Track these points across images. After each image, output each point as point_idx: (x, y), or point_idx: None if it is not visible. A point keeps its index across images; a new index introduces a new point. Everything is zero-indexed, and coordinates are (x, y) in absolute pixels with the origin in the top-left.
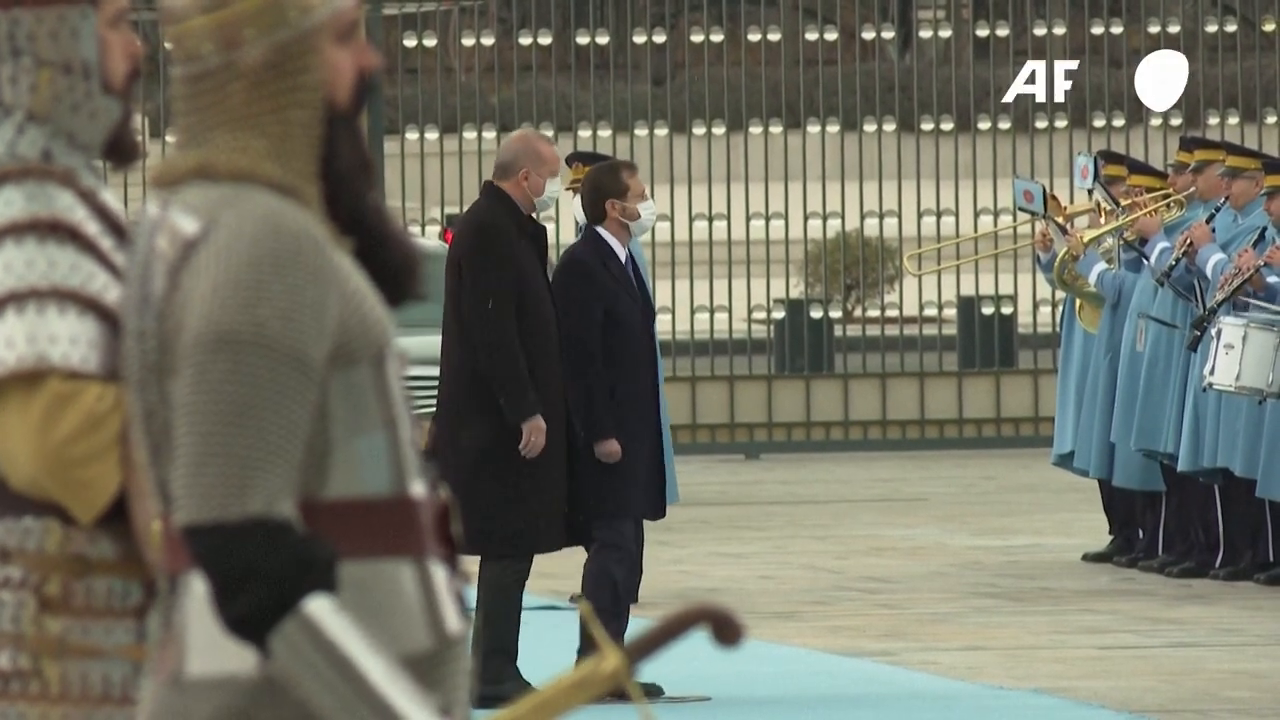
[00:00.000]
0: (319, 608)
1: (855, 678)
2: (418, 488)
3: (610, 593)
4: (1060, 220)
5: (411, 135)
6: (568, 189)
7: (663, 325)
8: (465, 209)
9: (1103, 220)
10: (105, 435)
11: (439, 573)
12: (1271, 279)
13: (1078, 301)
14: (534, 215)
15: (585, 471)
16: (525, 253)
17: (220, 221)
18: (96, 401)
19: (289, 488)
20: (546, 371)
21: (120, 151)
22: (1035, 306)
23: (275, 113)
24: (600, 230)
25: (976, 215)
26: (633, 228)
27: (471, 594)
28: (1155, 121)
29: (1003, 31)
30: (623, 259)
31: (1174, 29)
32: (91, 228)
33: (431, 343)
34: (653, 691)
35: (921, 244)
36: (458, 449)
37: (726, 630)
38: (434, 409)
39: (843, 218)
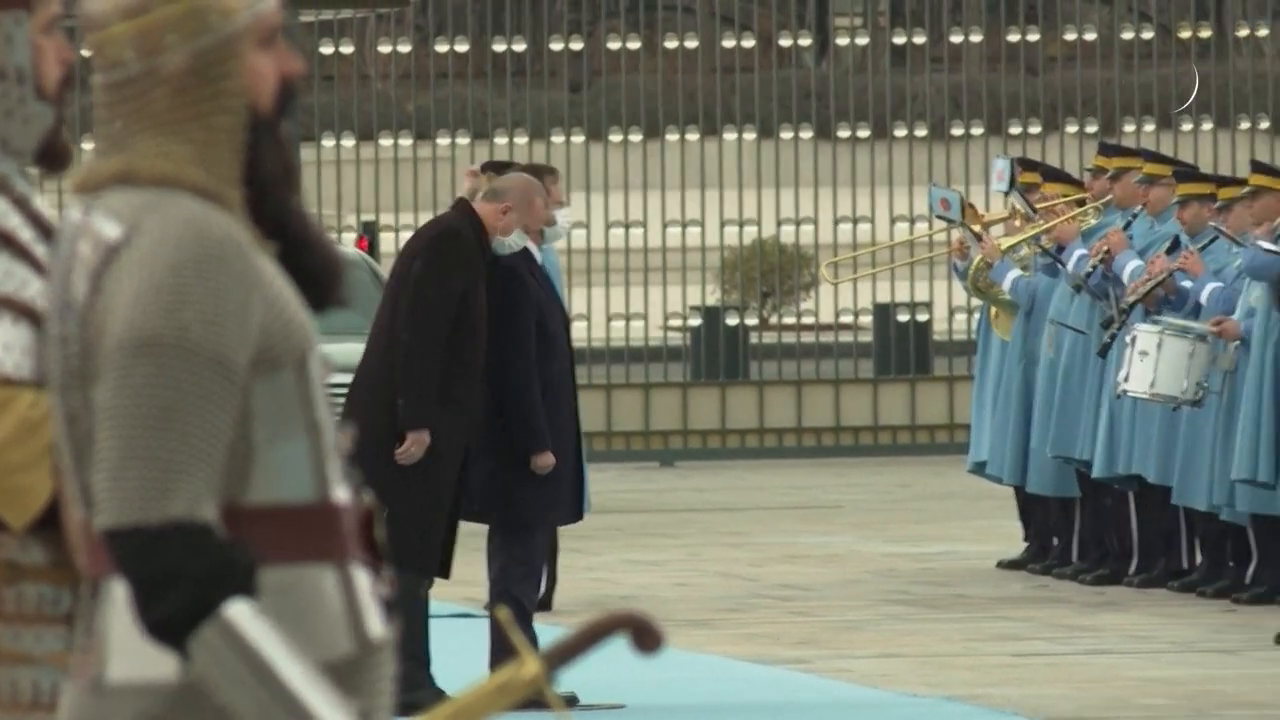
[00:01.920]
0: (239, 612)
1: (769, 685)
2: (340, 493)
3: (517, 609)
4: (976, 229)
5: (328, 142)
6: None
7: (578, 333)
8: (377, 216)
9: (1018, 224)
10: (39, 442)
11: (362, 578)
12: (1184, 284)
13: (993, 309)
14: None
15: (510, 480)
16: (478, 273)
17: (143, 226)
18: (30, 409)
19: (211, 492)
20: (465, 394)
21: (52, 158)
22: (951, 314)
23: (199, 119)
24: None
25: (893, 222)
26: (547, 233)
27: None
28: (1071, 129)
29: (919, 39)
30: (539, 263)
31: (1090, 36)
32: (25, 234)
33: (347, 350)
34: (568, 700)
35: (838, 251)
36: (363, 448)
37: (646, 638)
38: (344, 411)
39: (759, 225)
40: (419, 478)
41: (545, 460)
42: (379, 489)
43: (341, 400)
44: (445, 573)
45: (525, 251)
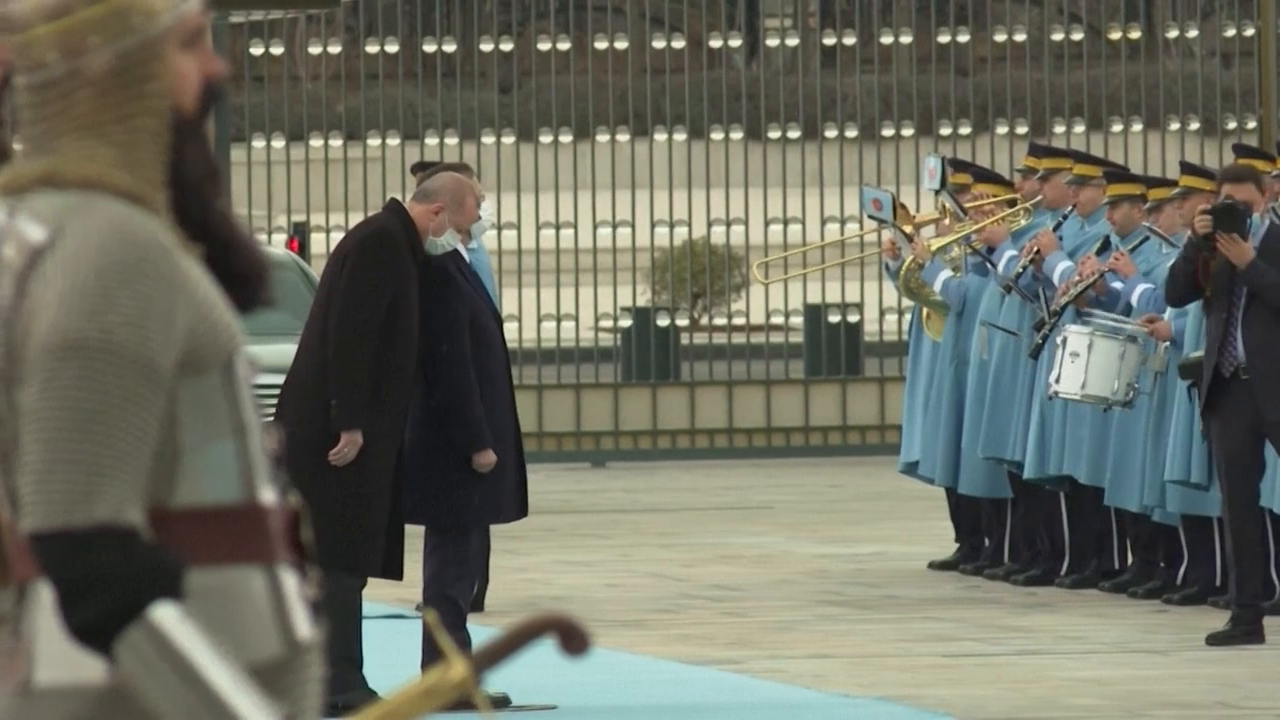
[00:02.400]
0: (165, 615)
1: (702, 686)
2: (268, 495)
3: (452, 610)
4: (908, 229)
5: (258, 143)
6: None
7: (509, 333)
8: (308, 216)
9: (949, 225)
10: None
11: (290, 579)
12: (1115, 284)
13: (924, 310)
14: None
15: (451, 480)
16: (409, 274)
17: (68, 229)
18: None
19: (137, 495)
20: (396, 395)
21: None
22: (882, 314)
23: (122, 120)
24: None
25: (823, 223)
26: (473, 230)
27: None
28: (1001, 130)
29: (849, 40)
30: (468, 262)
31: (1020, 37)
32: None
33: (278, 351)
34: (500, 701)
35: (768, 252)
36: (294, 449)
37: (573, 640)
38: (276, 412)
39: (690, 226)
40: (354, 478)
41: (486, 459)
42: (314, 491)
43: (270, 401)
44: (398, 574)
45: (454, 250)
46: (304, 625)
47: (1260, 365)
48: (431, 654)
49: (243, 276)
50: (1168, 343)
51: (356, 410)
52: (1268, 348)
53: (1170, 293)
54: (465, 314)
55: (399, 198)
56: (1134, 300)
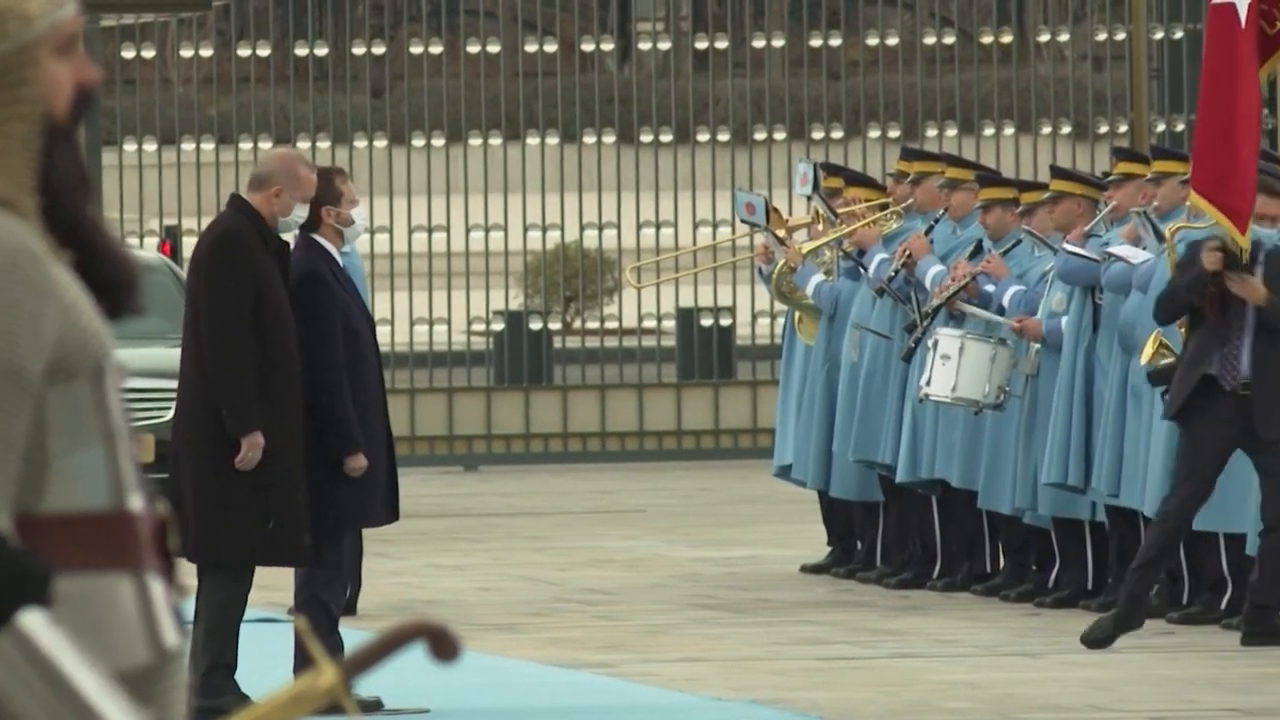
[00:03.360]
0: (32, 622)
1: (574, 690)
2: (136, 502)
3: (324, 614)
4: (780, 233)
5: (130, 147)
6: None
7: (381, 337)
8: (180, 220)
9: (821, 229)
10: None
11: (157, 587)
12: (987, 288)
13: (797, 313)
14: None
15: (322, 483)
16: (267, 265)
17: None
18: None
19: (4, 502)
20: (283, 384)
21: None
22: (754, 318)
23: None
24: (317, 238)
25: (696, 227)
26: (346, 233)
27: (189, 607)
28: (873, 133)
29: (721, 44)
30: (341, 265)
31: (892, 41)
32: None
33: (150, 355)
34: (373, 704)
35: (641, 255)
36: (194, 456)
37: (443, 645)
38: (170, 418)
39: (562, 229)
40: (259, 475)
41: (358, 462)
42: (222, 494)
43: (140, 406)
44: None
45: (327, 254)
46: (171, 632)
47: (1263, 383)
48: (303, 659)
49: (112, 284)
50: (1038, 344)
51: (248, 413)
52: (1272, 366)
53: (1166, 312)
54: (339, 319)
55: (249, 198)
56: (1005, 302)
